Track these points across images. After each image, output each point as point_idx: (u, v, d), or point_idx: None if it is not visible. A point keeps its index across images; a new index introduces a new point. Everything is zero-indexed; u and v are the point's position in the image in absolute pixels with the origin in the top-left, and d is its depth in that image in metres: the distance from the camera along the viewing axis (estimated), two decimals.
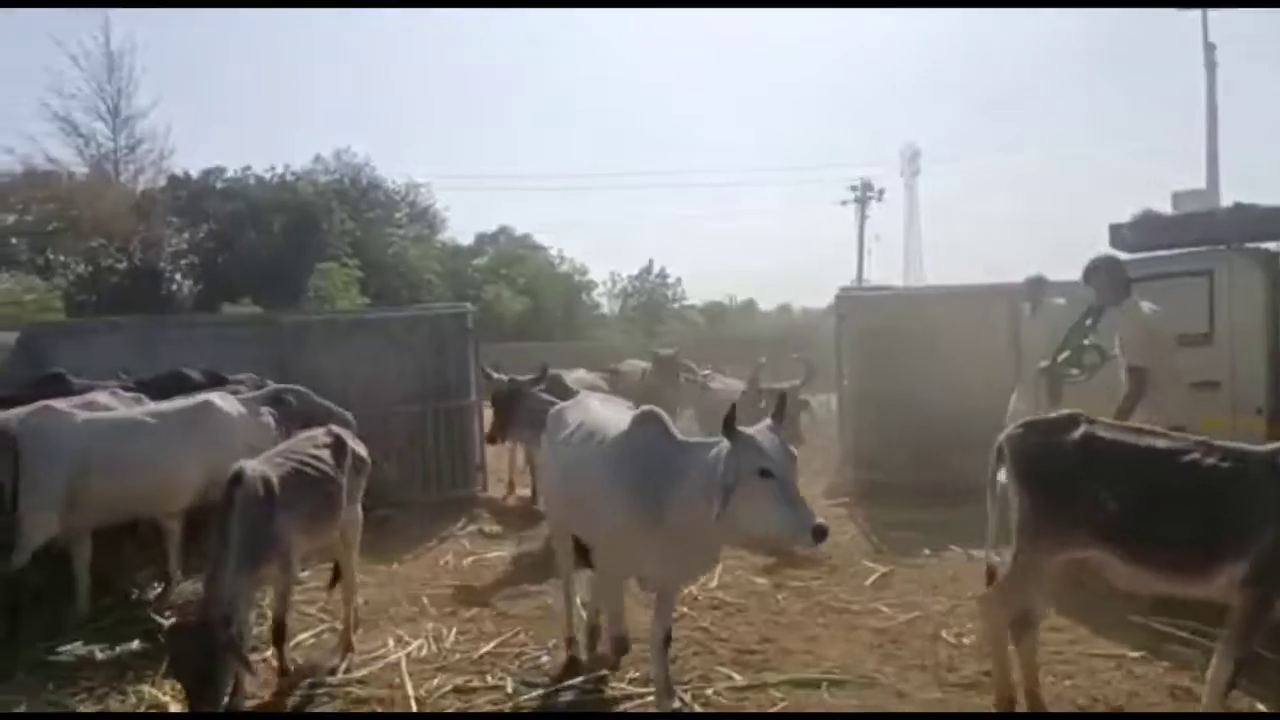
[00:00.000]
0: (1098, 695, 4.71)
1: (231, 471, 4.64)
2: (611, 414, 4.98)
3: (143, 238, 36.71)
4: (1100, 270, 6.14)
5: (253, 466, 4.75)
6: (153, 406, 6.57)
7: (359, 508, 5.57)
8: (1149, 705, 4.60)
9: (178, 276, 38.68)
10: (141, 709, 4.79)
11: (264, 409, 6.82)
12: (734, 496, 3.88)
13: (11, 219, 36.95)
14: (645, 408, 4.64)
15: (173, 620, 4.24)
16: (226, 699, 4.50)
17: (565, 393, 8.04)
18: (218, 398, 6.65)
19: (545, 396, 7.18)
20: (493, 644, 5.65)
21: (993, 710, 4.48)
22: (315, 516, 4.98)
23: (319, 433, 5.48)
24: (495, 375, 7.76)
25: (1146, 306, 5.90)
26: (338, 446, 5.35)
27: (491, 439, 7.66)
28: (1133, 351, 5.80)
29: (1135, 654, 5.19)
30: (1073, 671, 5.03)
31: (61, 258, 37.14)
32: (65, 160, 37.99)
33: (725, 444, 4.02)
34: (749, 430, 3.98)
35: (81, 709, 4.79)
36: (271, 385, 7.63)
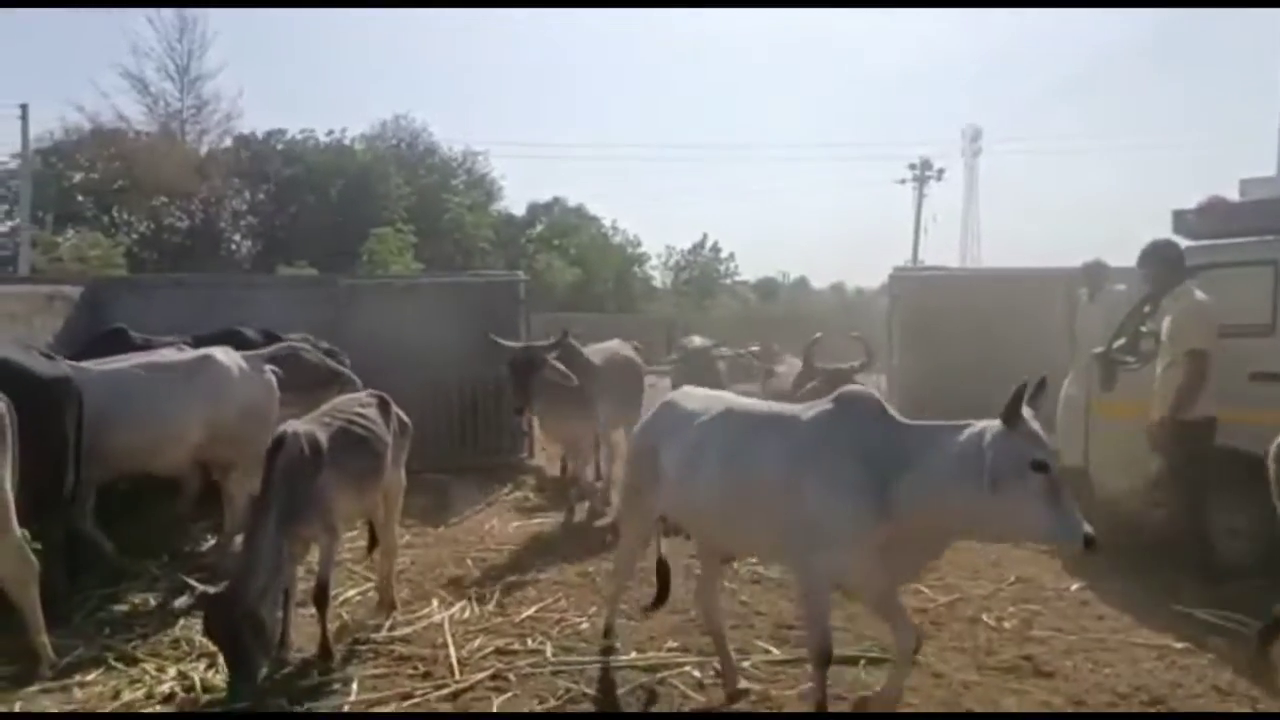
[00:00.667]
0: (1139, 685, 4.65)
1: (275, 436, 4.74)
2: (758, 401, 4.72)
3: (204, 198, 37.36)
4: (1155, 254, 6.03)
5: (297, 426, 4.83)
6: (150, 359, 6.41)
7: (402, 471, 5.64)
8: (1191, 698, 4.54)
9: (236, 237, 39.37)
10: (193, 656, 4.92)
11: (268, 367, 6.70)
12: (997, 489, 3.47)
13: (79, 176, 37.76)
14: (852, 386, 4.35)
15: (205, 587, 4.29)
16: (277, 650, 4.66)
17: (579, 362, 7.98)
18: (220, 352, 6.53)
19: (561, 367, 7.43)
20: (534, 609, 5.72)
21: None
22: (361, 476, 5.04)
23: (363, 394, 5.54)
24: (505, 343, 7.81)
25: (1199, 293, 5.80)
26: (383, 407, 5.41)
27: (520, 410, 7.73)
28: (1188, 336, 5.70)
29: (1179, 645, 5.12)
30: (1114, 660, 4.98)
31: (126, 215, 37.94)
32: (133, 119, 38.75)
33: (989, 428, 3.61)
34: (1027, 415, 3.62)
35: (138, 655, 4.92)
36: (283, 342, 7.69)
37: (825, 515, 3.81)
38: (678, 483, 4.37)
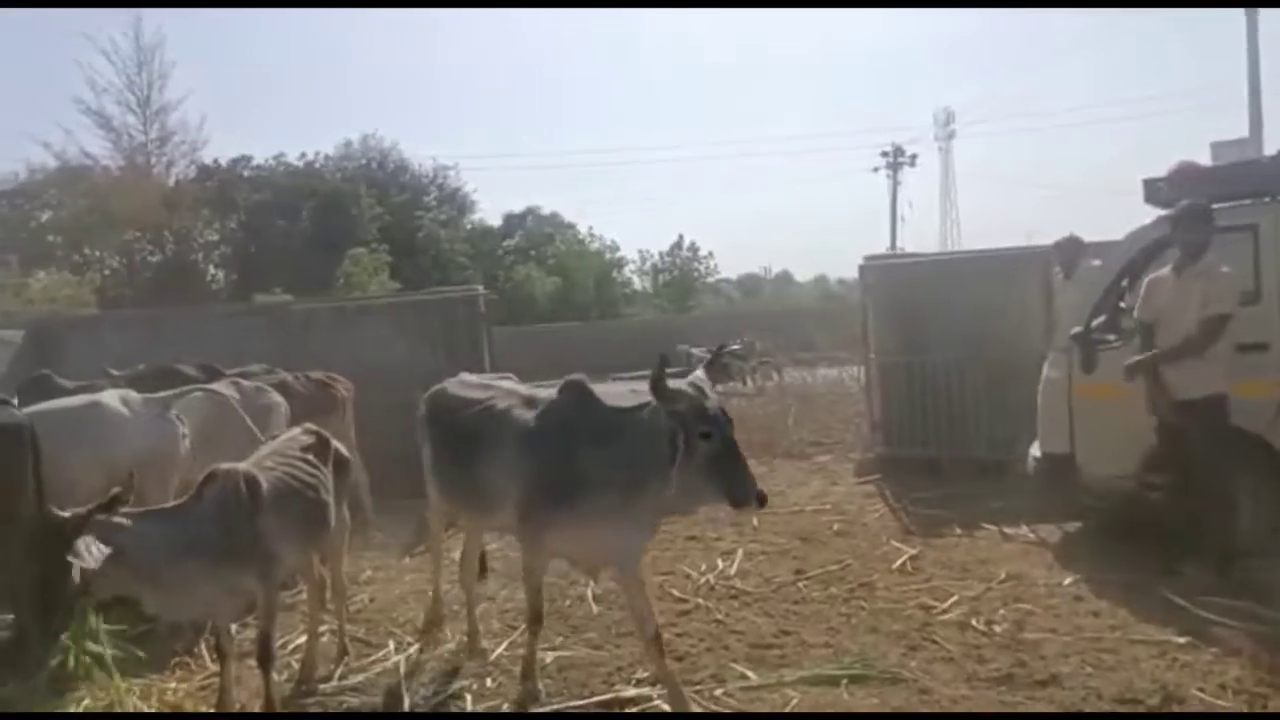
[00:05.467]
0: (1140, 687, 4.34)
1: (207, 471, 4.42)
2: None
3: (175, 230, 36.92)
4: (1190, 216, 5.67)
5: (235, 465, 4.51)
6: (40, 407, 5.95)
7: (345, 509, 5.27)
8: (1195, 698, 4.24)
9: (210, 267, 38.93)
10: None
11: (171, 411, 6.20)
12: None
13: (47, 215, 37.29)
14: None
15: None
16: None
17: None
18: (111, 396, 6.11)
19: None
20: (497, 643, 5.36)
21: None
22: (306, 527, 4.69)
23: (298, 432, 5.19)
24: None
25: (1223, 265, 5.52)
26: (320, 446, 5.05)
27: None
28: (1220, 304, 5.43)
29: (1180, 640, 4.82)
30: (1112, 661, 4.67)
31: (97, 253, 37.48)
32: (98, 154, 38.23)
33: None
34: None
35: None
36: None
37: None
38: None
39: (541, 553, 4.55)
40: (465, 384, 5.18)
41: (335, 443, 5.23)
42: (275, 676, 4.68)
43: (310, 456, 4.94)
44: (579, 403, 4.43)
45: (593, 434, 4.25)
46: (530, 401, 4.70)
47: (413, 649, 5.34)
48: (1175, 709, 4.17)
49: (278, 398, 7.05)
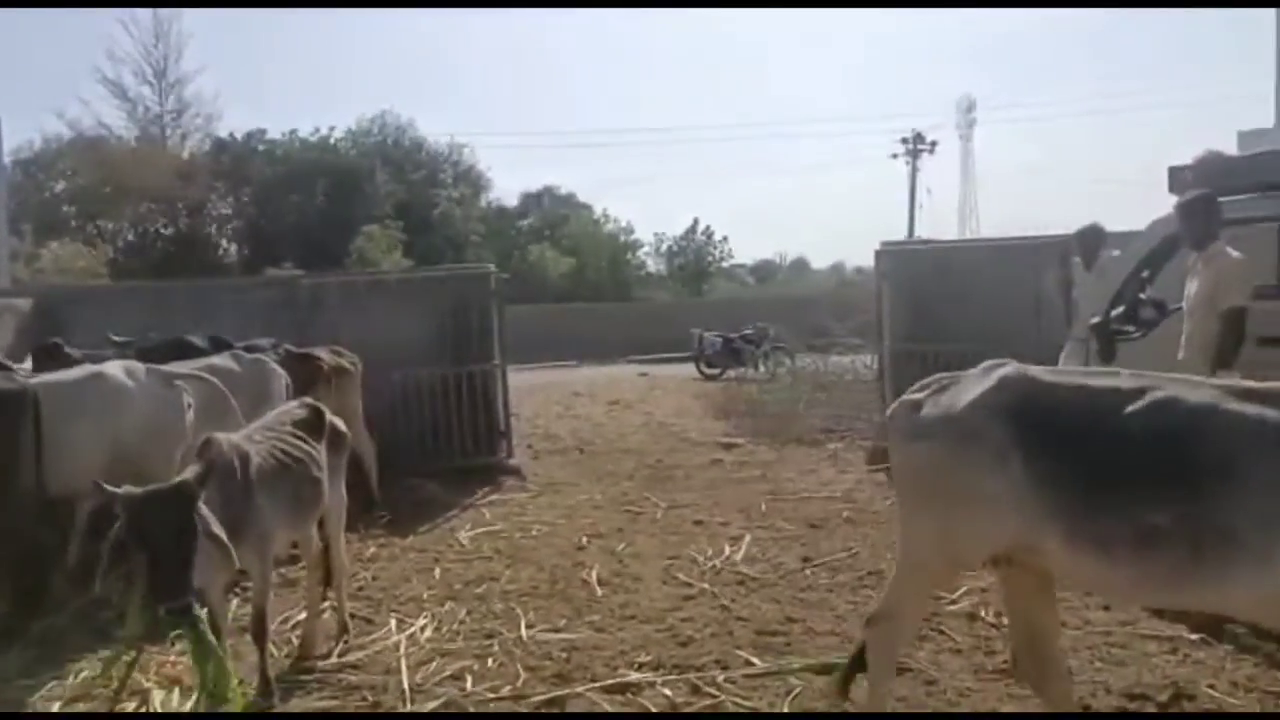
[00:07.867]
0: (1149, 683, 4.27)
1: (202, 439, 4.32)
2: None
3: (188, 203, 36.96)
4: (1199, 208, 5.54)
5: (229, 436, 4.43)
6: (41, 379, 5.89)
7: (342, 486, 5.19)
8: (1206, 695, 4.16)
9: (222, 241, 38.99)
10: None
11: (178, 381, 6.10)
12: None
13: (61, 185, 37.39)
14: None
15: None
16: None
17: None
18: (115, 367, 6.02)
19: None
20: (499, 624, 5.33)
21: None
22: (298, 501, 4.61)
23: (293, 405, 5.11)
24: None
25: (1234, 251, 5.37)
26: (314, 420, 4.96)
27: None
28: (1228, 294, 5.28)
29: (1192, 636, 4.74)
30: (1122, 656, 4.61)
31: (110, 224, 37.58)
32: (113, 125, 38.36)
33: None
34: None
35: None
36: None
37: None
38: None
39: None
40: (1070, 373, 3.59)
41: (331, 417, 5.14)
42: (274, 652, 4.67)
43: (301, 431, 4.85)
44: None
45: None
46: (1253, 395, 2.92)
47: (414, 628, 5.28)
48: (1185, 705, 4.10)
49: (277, 368, 6.98)
